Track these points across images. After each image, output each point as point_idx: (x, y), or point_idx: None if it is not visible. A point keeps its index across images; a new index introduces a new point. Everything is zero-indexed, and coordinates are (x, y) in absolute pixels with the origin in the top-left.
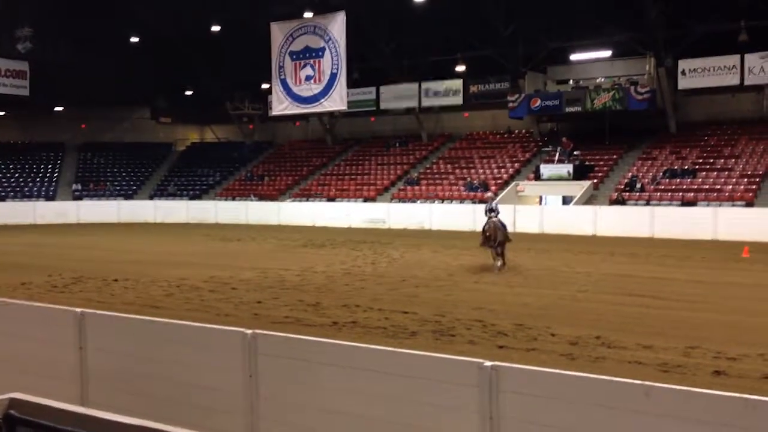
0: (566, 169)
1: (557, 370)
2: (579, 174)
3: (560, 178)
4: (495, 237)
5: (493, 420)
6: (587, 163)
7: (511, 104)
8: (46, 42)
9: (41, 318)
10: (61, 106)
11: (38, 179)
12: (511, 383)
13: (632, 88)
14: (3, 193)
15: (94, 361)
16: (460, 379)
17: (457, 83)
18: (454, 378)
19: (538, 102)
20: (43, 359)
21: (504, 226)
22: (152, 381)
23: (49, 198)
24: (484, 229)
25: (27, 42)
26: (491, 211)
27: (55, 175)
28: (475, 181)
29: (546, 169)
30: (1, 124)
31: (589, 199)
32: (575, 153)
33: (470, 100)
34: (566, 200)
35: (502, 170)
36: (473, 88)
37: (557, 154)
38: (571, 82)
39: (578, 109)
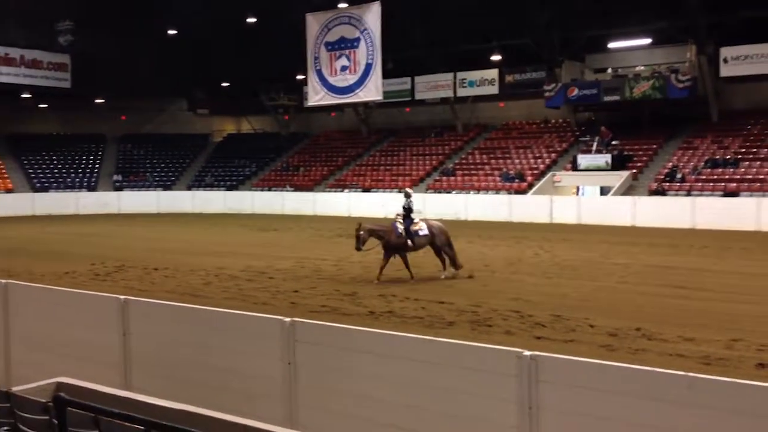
0: (604, 159)
1: (598, 361)
2: (617, 164)
3: (598, 169)
4: (386, 239)
5: (532, 410)
6: (626, 153)
7: (547, 93)
8: (87, 35)
9: (86, 305)
10: (101, 98)
11: (80, 170)
12: (551, 373)
13: (672, 76)
14: (47, 184)
15: (137, 347)
16: (499, 368)
17: (493, 73)
18: (493, 367)
19: (576, 91)
20: (88, 345)
21: (411, 232)
22: (193, 367)
23: (91, 188)
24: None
25: (68, 35)
26: (404, 210)
27: (97, 166)
28: (511, 172)
29: (583, 159)
30: (44, 116)
31: (627, 190)
32: (613, 143)
33: (506, 90)
34: (604, 191)
35: (539, 160)
36: (509, 78)
37: (595, 144)
38: (609, 70)
39: (617, 98)
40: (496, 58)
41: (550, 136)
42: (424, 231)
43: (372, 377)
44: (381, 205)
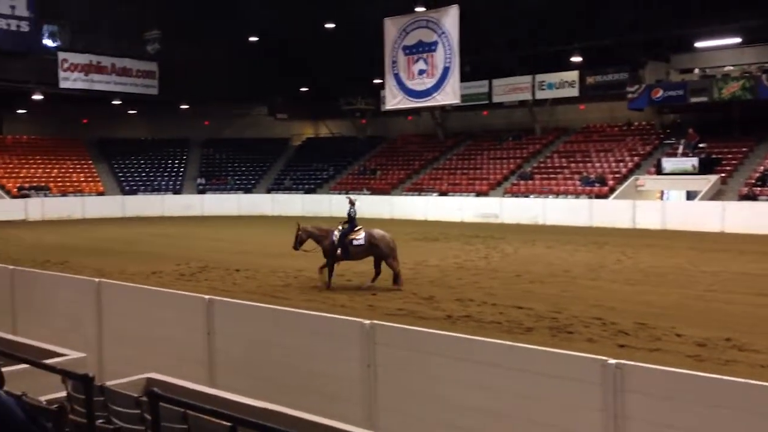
0: (691, 162)
1: (688, 371)
2: (705, 168)
3: (684, 173)
4: (322, 244)
5: (617, 419)
6: (714, 156)
7: (630, 95)
8: (173, 43)
9: (173, 304)
10: (186, 104)
11: (166, 174)
12: (638, 383)
13: (764, 76)
14: (135, 187)
15: (221, 346)
16: (582, 376)
17: (573, 75)
18: (575, 375)
19: (660, 92)
20: (174, 342)
21: (344, 241)
22: (274, 366)
23: (176, 191)
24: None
25: (156, 43)
26: (348, 217)
27: (182, 169)
28: (591, 176)
29: (668, 163)
30: (133, 122)
31: (715, 194)
32: (701, 146)
33: (587, 92)
34: (690, 195)
35: (621, 164)
36: (590, 80)
37: (681, 147)
38: (696, 71)
39: (704, 99)
40: (576, 59)
41: (633, 139)
42: (359, 241)
43: (452, 382)
44: (458, 208)
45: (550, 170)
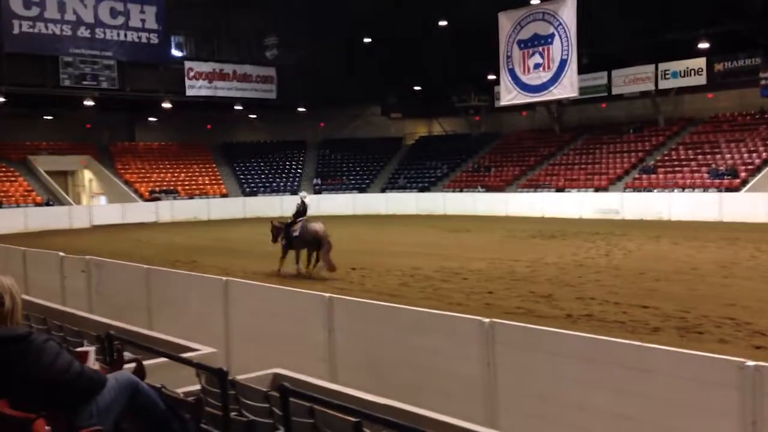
0: None
1: None
2: None
3: None
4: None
5: (756, 425)
6: None
7: (763, 81)
8: (289, 48)
9: (295, 301)
10: (302, 107)
11: (284, 175)
12: None
13: None
14: (255, 189)
15: (341, 343)
16: (716, 379)
17: (700, 62)
18: (709, 377)
19: None
20: (296, 339)
21: (288, 233)
22: (393, 364)
23: (294, 192)
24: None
25: (274, 49)
26: (296, 210)
27: (299, 170)
28: (721, 168)
29: None
30: (253, 126)
31: None
32: None
33: (715, 80)
34: None
35: (754, 155)
36: (718, 66)
37: None
38: None
39: None
40: (703, 45)
41: (767, 128)
42: (295, 232)
43: (575, 382)
44: (576, 204)
45: (675, 163)
